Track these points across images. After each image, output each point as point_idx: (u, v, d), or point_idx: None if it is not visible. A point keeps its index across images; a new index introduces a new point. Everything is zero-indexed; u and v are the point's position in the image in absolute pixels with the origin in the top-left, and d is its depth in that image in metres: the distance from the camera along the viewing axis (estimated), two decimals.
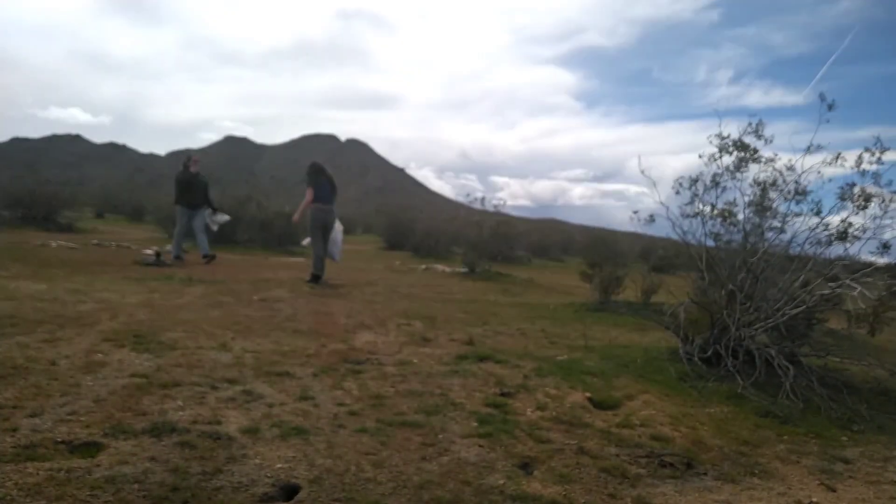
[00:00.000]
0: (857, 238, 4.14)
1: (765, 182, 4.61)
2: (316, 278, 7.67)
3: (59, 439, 2.29)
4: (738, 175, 4.66)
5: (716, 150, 4.69)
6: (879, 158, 4.09)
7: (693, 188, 4.74)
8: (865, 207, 4.07)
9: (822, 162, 4.25)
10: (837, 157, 4.19)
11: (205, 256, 9.27)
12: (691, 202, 4.75)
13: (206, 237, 9.57)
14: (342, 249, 8.43)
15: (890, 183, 4.10)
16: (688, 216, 4.73)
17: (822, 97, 4.20)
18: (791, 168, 4.54)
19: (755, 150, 4.60)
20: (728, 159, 4.65)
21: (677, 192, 4.83)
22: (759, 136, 4.57)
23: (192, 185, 9.56)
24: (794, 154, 4.60)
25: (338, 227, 8.19)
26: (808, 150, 4.27)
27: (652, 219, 4.93)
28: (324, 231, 7.86)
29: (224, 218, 9.95)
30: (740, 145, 4.62)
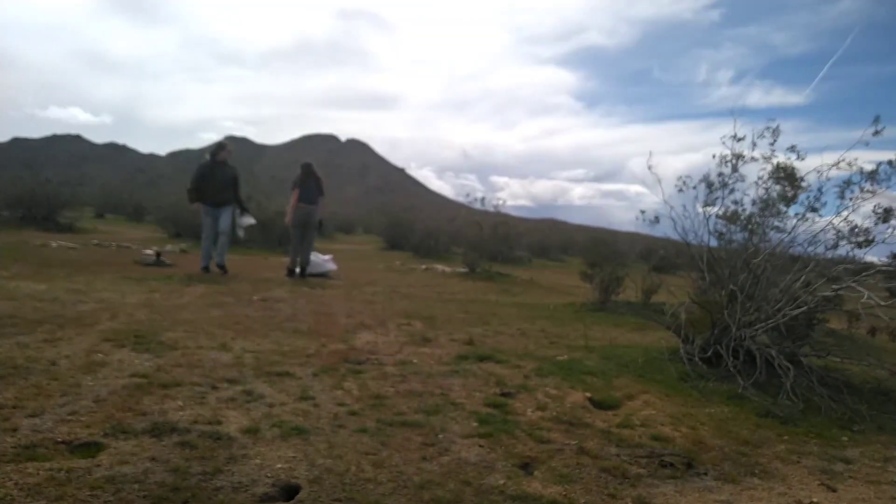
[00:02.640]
0: (869, 243, 4.15)
1: (786, 195, 4.59)
2: (290, 272, 8.46)
3: (60, 439, 2.28)
4: (760, 180, 4.65)
5: (728, 151, 4.68)
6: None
7: (709, 189, 4.74)
8: (887, 220, 4.06)
9: (834, 166, 4.22)
10: (871, 175, 4.11)
11: (220, 266, 7.91)
12: (708, 202, 4.74)
13: (228, 243, 8.08)
14: (323, 262, 9.05)
15: (887, 180, 4.10)
16: (708, 215, 4.73)
17: (875, 120, 4.06)
18: (791, 167, 4.54)
19: (801, 179, 4.55)
20: (775, 187, 4.63)
21: (680, 191, 4.84)
22: (773, 142, 4.54)
23: (209, 177, 7.91)
24: (793, 154, 4.59)
25: (315, 258, 8.87)
26: (837, 164, 4.22)
27: (657, 219, 4.94)
28: (303, 229, 8.42)
29: (249, 221, 8.40)
30: (787, 175, 4.55)
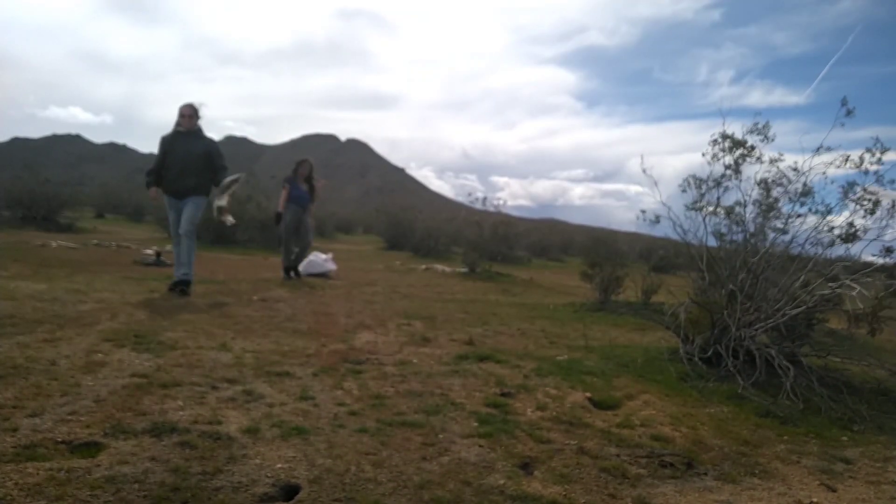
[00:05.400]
0: (859, 239, 4.15)
1: (766, 181, 4.61)
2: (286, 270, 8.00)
3: (60, 439, 2.28)
4: (738, 174, 4.67)
5: (718, 149, 4.70)
6: (880, 159, 4.08)
7: (701, 187, 4.76)
8: (874, 212, 4.07)
9: (830, 164, 4.23)
10: (846, 160, 4.17)
11: (180, 283, 5.71)
12: (699, 200, 4.75)
13: (193, 249, 5.80)
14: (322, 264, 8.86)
15: (892, 182, 4.10)
16: (696, 210, 4.73)
17: (843, 102, 4.16)
18: (795, 168, 4.55)
19: (752, 147, 4.60)
20: (728, 158, 4.66)
21: (684, 191, 4.86)
22: (764, 138, 4.57)
23: (169, 152, 5.66)
24: (795, 154, 4.61)
25: (315, 258, 8.64)
26: (818, 151, 4.25)
27: (657, 219, 4.94)
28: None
29: (228, 219, 6.10)
30: (736, 143, 4.62)
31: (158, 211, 17.89)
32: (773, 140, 4.58)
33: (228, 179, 5.82)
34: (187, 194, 5.70)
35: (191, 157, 5.66)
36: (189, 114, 5.75)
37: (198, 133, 5.82)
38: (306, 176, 8.00)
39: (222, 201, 5.95)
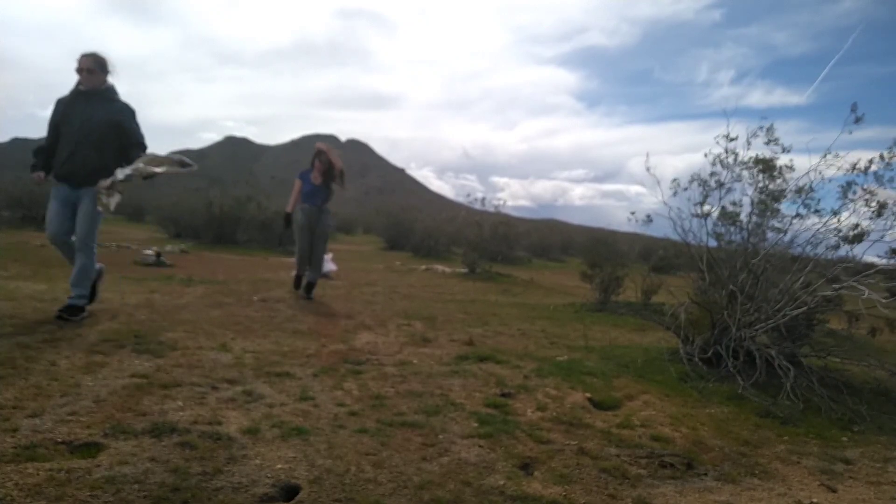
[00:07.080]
0: (863, 240, 4.14)
1: (773, 191, 4.60)
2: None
3: (60, 439, 2.28)
4: (739, 178, 4.67)
5: (722, 150, 4.70)
6: (889, 163, 4.06)
7: (703, 188, 4.75)
8: (881, 214, 4.05)
9: (838, 168, 4.22)
10: (866, 168, 4.11)
11: (69, 308, 4.15)
12: (703, 202, 4.74)
13: (93, 256, 4.30)
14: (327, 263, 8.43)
15: (892, 180, 4.09)
16: (696, 216, 4.73)
17: (853, 108, 4.13)
18: (791, 167, 4.56)
19: (779, 170, 4.57)
20: (750, 175, 4.65)
21: (675, 194, 4.85)
22: (769, 142, 4.56)
23: (65, 123, 4.04)
24: (796, 153, 4.61)
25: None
26: (826, 155, 4.22)
27: (649, 219, 4.95)
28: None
29: (115, 200, 4.11)
30: (763, 164, 4.59)
31: (158, 212, 17.87)
32: (789, 151, 4.56)
33: (113, 199, 4.08)
34: (83, 181, 4.02)
35: (90, 126, 4.00)
36: (88, 66, 4.00)
37: (105, 95, 4.12)
38: (324, 169, 6.35)
39: (122, 176, 4.04)
